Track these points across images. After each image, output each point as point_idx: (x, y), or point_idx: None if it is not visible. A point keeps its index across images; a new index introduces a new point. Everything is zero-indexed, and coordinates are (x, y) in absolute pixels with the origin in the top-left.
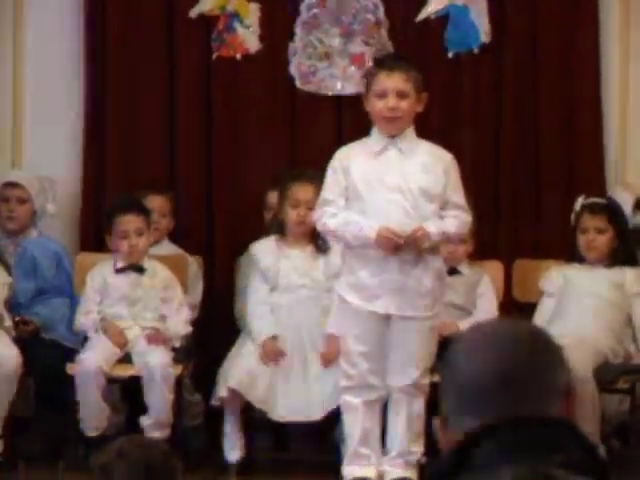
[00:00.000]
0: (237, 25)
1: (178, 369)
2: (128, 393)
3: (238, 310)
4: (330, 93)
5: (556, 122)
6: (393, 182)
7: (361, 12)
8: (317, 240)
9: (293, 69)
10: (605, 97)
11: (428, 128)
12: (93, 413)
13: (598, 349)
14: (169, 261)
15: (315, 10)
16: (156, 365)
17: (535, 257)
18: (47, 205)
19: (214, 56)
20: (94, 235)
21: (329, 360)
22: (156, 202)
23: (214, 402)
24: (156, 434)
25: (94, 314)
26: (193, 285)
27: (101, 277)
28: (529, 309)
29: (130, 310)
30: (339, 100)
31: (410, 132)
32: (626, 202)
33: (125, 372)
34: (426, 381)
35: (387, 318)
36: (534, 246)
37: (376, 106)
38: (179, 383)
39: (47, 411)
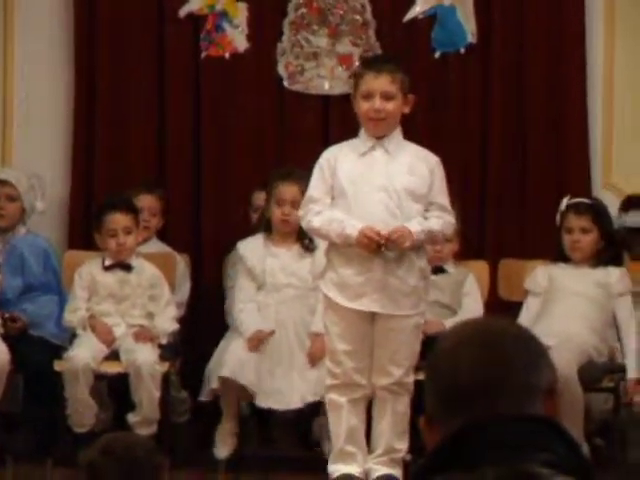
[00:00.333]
0: (226, 25)
1: (165, 366)
2: (115, 390)
3: (227, 307)
4: (318, 93)
5: (542, 122)
6: (378, 182)
7: (349, 12)
8: (304, 239)
9: (281, 69)
10: (591, 98)
11: (415, 128)
12: (81, 410)
13: (583, 348)
14: (157, 259)
15: (303, 10)
16: (143, 362)
17: (521, 257)
18: (36, 203)
19: (203, 55)
20: (82, 233)
21: (315, 359)
22: (146, 201)
23: (204, 397)
24: (143, 431)
25: (82, 311)
26: (181, 283)
27: (89, 274)
28: (514, 308)
29: (117, 307)
30: (326, 100)
31: (397, 134)
32: (612, 203)
33: (113, 369)
34: (410, 380)
35: (372, 316)
36: (520, 246)
37: (362, 107)
38: (166, 380)
39: (35, 408)
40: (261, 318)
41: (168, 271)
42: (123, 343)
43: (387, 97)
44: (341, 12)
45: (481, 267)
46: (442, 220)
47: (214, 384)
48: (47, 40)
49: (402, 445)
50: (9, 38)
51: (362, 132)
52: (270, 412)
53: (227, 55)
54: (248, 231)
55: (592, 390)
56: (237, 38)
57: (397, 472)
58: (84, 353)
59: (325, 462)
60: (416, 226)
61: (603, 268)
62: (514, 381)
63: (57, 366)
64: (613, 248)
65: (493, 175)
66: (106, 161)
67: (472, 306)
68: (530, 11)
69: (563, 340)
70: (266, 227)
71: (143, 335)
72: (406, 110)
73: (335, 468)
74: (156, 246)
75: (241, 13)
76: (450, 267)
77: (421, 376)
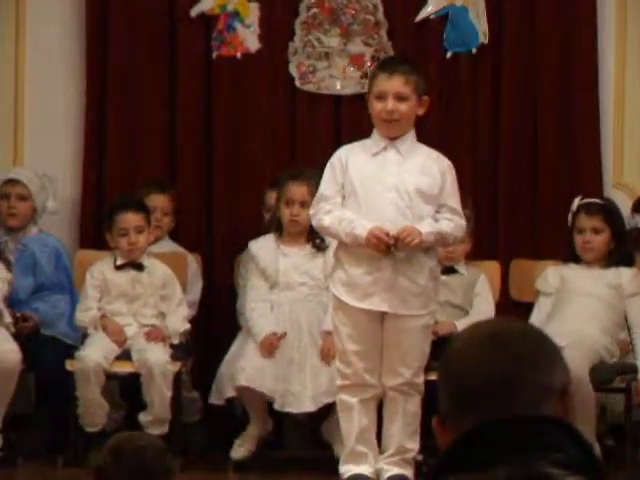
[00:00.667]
0: (237, 24)
1: (176, 366)
2: (127, 390)
3: (240, 307)
4: (329, 93)
5: (554, 123)
6: (389, 181)
7: (361, 12)
8: (315, 239)
9: (293, 69)
10: (603, 98)
11: (426, 128)
12: (92, 409)
13: (594, 349)
14: (169, 259)
15: (315, 10)
16: (155, 362)
17: (532, 257)
18: (47, 202)
19: (214, 55)
20: (94, 233)
21: (327, 356)
22: (158, 200)
23: (215, 401)
24: (155, 431)
25: (94, 311)
26: (192, 283)
27: (101, 274)
28: (526, 309)
29: (129, 307)
30: (338, 100)
31: (411, 136)
32: (624, 203)
33: (124, 369)
34: (420, 380)
35: (381, 316)
36: (531, 246)
37: (375, 108)
38: (178, 380)
39: (47, 407)
40: (274, 317)
41: (180, 271)
42: (135, 343)
43: (400, 98)
44: (353, 12)
45: (493, 267)
46: (453, 223)
47: (229, 392)
48: (59, 41)
49: (413, 445)
50: (21, 38)
51: (375, 133)
52: (283, 413)
53: (239, 55)
54: (260, 230)
55: (603, 390)
56: (249, 38)
57: (408, 472)
58: (96, 353)
59: (336, 462)
60: (426, 227)
61: (614, 268)
62: (528, 382)
63: (69, 366)
64: (624, 248)
65: (504, 175)
66: (118, 161)
67: (483, 306)
68: (542, 11)
69: (575, 341)
70: (277, 227)
71: (155, 335)
72: (420, 112)
73: (346, 468)
74: (168, 246)
75: (253, 13)
76: (462, 268)
77: (432, 376)
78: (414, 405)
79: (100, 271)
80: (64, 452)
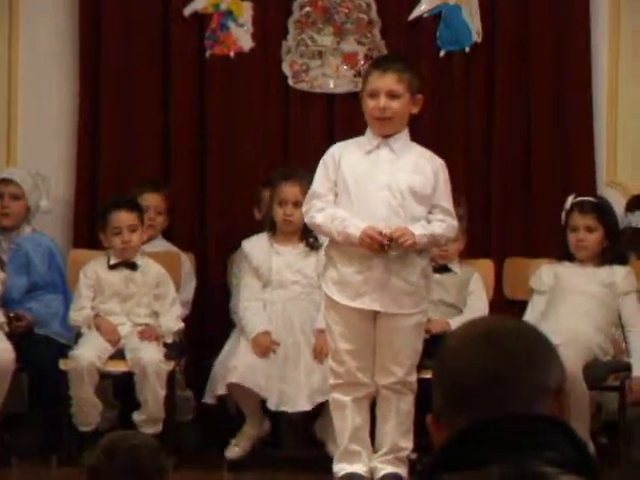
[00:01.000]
0: (231, 23)
1: (170, 365)
2: (121, 389)
3: (233, 306)
4: (322, 91)
5: (547, 121)
6: (382, 180)
7: (354, 11)
8: (308, 237)
9: (286, 67)
10: (596, 97)
11: (419, 126)
12: (86, 409)
13: (588, 347)
14: (162, 258)
15: (308, 9)
16: (149, 361)
17: (526, 255)
18: (41, 202)
19: (208, 54)
20: (87, 232)
21: (320, 355)
22: (152, 200)
23: (208, 400)
24: (148, 430)
25: (87, 310)
26: (186, 282)
27: (94, 273)
28: (520, 307)
29: (123, 306)
30: (331, 98)
31: (404, 134)
32: (617, 202)
33: (118, 368)
34: (413, 378)
35: (373, 315)
36: (525, 244)
37: (368, 105)
38: (171, 379)
39: (40, 407)
40: (267, 316)
41: (173, 270)
42: (128, 342)
43: (392, 96)
44: (346, 11)
45: (487, 266)
46: (445, 224)
47: (221, 390)
48: (52, 40)
49: (407, 444)
50: (14, 40)
51: (368, 131)
52: (277, 412)
53: (232, 54)
54: (253, 230)
55: (597, 388)
56: (242, 37)
57: (402, 471)
58: (89, 352)
59: (330, 461)
60: (419, 229)
61: (608, 267)
62: (522, 380)
63: (62, 365)
64: (618, 247)
65: (498, 174)
66: (111, 160)
67: (477, 305)
68: (535, 10)
69: (568, 339)
70: (270, 226)
71: (148, 334)
72: (414, 111)
73: (340, 467)
74: (161, 245)
75: (246, 12)
76: (455, 266)
77: (425, 375)
78: (407, 404)
79: (94, 270)
80: (58, 451)
